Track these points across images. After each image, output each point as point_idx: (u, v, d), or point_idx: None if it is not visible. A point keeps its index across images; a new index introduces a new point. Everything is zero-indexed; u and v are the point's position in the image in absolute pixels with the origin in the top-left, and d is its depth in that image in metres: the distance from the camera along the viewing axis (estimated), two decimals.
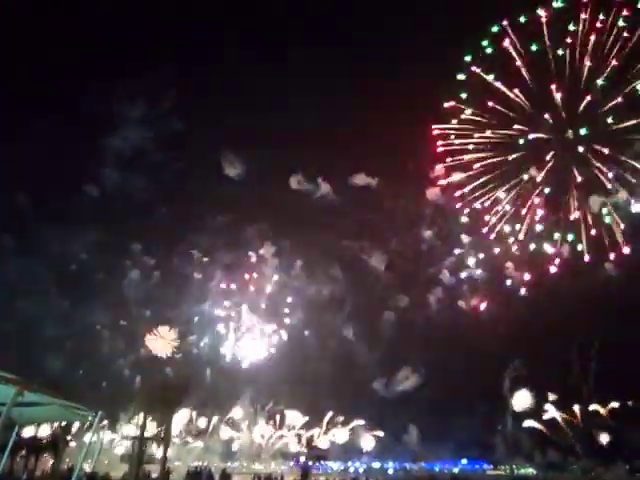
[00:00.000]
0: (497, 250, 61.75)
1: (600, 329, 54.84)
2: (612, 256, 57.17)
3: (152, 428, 46.18)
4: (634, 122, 53.73)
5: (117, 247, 48.42)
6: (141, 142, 53.10)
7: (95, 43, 59.82)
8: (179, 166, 54.83)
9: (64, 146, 51.30)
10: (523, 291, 60.21)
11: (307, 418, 67.87)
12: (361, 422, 68.04)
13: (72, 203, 50.12)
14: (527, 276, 60.24)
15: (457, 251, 62.15)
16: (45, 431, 50.79)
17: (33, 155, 49.34)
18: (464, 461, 68.83)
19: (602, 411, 61.07)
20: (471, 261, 61.60)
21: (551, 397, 63.26)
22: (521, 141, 57.61)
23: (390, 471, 67.86)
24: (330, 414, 68.06)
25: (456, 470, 66.00)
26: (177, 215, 51.25)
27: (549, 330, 55.69)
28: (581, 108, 55.98)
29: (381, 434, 67.87)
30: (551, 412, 63.64)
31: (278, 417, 67.44)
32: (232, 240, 52.54)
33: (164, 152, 54.27)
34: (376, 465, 69.79)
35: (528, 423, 62.86)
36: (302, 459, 66.30)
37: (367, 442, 68.76)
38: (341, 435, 68.93)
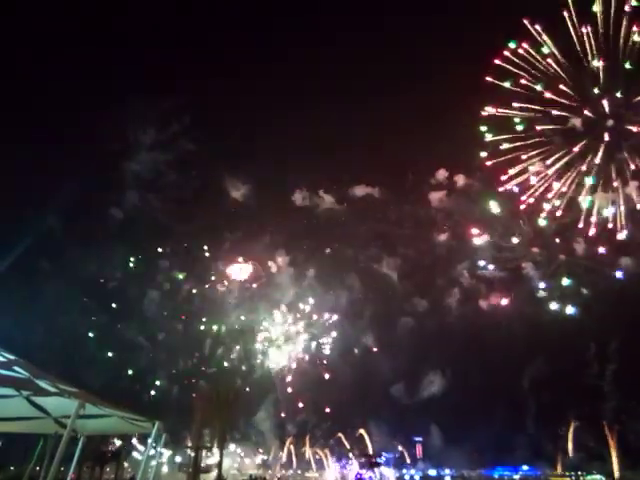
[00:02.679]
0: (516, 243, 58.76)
1: (618, 328, 51.74)
2: None
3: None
4: None
5: (145, 265, 50.47)
6: (154, 167, 55.25)
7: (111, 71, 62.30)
8: (190, 188, 56.78)
9: (87, 174, 54.38)
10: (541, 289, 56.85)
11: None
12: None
13: (100, 226, 52.88)
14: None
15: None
16: (109, 443, 52.98)
17: (59, 183, 52.41)
18: (525, 467, 65.98)
19: None
20: (482, 262, 59.14)
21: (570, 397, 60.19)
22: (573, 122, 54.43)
23: (447, 479, 65.96)
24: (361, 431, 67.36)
25: (517, 477, 63.31)
26: (193, 234, 52.94)
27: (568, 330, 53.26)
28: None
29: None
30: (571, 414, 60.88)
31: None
32: (247, 254, 53.82)
33: (173, 177, 56.32)
34: (432, 472, 68.15)
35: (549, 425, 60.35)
36: (356, 467, 65.70)
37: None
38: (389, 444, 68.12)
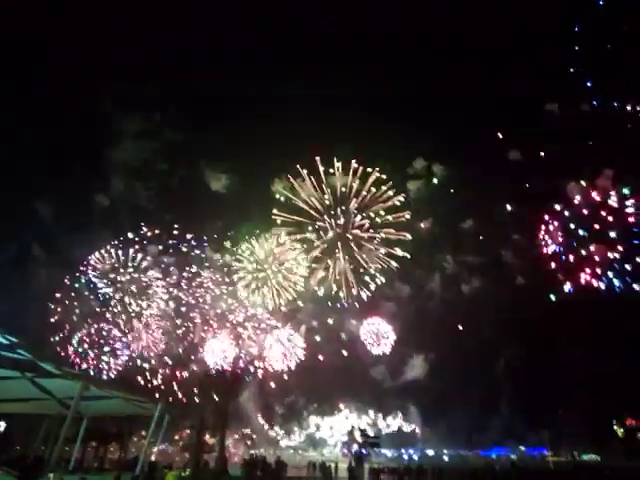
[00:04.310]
0: None
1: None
2: None
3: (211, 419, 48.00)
4: None
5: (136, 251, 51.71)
6: (135, 154, 55.02)
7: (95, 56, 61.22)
8: (170, 177, 56.77)
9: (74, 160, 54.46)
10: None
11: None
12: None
13: (86, 213, 53.51)
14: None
15: None
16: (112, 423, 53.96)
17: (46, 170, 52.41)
18: (522, 447, 67.26)
19: None
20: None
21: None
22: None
23: (445, 458, 67.22)
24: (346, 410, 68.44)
25: (514, 457, 64.56)
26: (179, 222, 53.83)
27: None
28: None
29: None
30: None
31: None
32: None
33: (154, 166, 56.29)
34: (430, 452, 69.40)
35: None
36: (355, 446, 66.78)
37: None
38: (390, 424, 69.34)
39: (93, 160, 55.96)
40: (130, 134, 54.96)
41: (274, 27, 70.20)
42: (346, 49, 68.57)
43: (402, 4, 65.72)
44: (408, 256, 53.82)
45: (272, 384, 50.88)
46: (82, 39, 60.28)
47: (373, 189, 54.45)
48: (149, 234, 50.05)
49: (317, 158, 54.03)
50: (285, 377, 49.15)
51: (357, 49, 68.86)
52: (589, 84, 48.50)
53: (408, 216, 53.13)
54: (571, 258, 50.49)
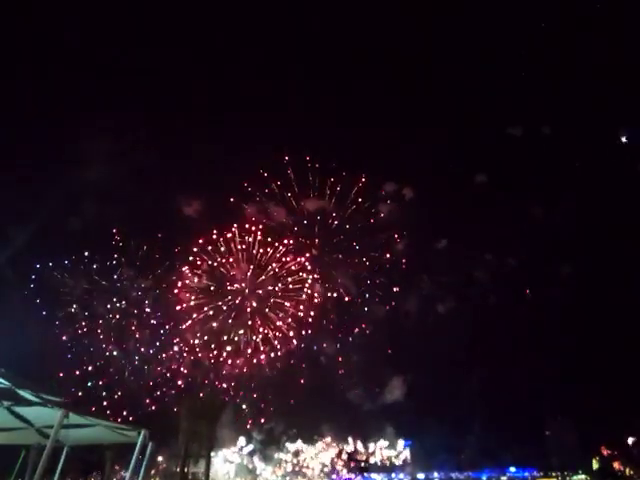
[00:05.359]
0: None
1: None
2: None
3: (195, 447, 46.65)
4: None
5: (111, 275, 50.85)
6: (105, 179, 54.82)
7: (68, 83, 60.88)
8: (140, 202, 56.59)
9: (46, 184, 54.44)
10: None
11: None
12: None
13: (59, 236, 52.88)
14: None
15: None
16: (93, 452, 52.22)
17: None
18: (512, 469, 66.57)
19: None
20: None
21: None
22: None
23: None
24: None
25: (504, 478, 63.89)
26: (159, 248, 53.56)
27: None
28: None
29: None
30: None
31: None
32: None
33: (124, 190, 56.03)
34: (420, 476, 68.28)
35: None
36: (344, 473, 65.45)
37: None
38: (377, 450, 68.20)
39: (63, 183, 55.40)
40: (100, 157, 54.58)
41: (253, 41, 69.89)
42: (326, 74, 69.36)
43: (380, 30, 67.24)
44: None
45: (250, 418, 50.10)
46: (48, 57, 59.56)
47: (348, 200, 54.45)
48: (123, 257, 49.56)
49: (289, 170, 54.39)
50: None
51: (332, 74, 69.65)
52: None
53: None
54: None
